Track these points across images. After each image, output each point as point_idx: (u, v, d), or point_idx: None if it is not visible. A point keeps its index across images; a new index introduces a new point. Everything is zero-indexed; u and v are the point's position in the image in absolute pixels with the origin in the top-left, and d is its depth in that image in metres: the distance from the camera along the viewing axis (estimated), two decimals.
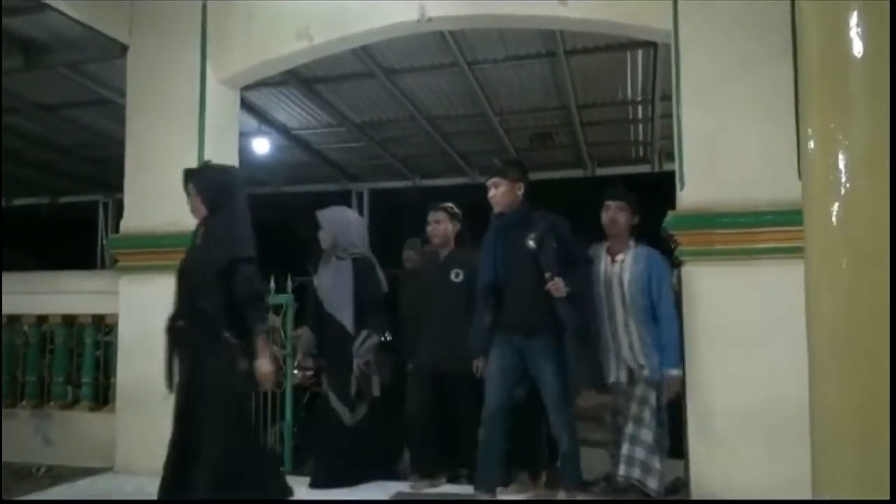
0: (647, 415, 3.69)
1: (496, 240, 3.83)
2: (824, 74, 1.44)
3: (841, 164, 1.37)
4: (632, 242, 3.87)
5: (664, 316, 3.75)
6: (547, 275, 3.60)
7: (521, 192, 3.82)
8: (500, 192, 3.80)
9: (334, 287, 4.23)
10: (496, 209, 3.82)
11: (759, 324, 3.71)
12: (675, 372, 3.69)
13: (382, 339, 4.34)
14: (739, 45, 3.88)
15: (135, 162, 4.80)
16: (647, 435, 3.66)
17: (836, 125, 1.39)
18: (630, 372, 3.76)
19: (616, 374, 3.80)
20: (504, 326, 3.78)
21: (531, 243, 3.69)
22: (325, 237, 4.31)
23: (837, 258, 1.39)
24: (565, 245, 3.73)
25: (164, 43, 4.78)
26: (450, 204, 4.47)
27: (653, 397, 3.73)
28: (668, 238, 4.00)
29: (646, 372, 3.73)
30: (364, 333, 4.15)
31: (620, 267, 3.83)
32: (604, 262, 3.87)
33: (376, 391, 4.20)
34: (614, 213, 3.88)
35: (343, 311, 4.18)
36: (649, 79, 6.20)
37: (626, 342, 3.77)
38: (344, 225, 4.37)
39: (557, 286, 3.59)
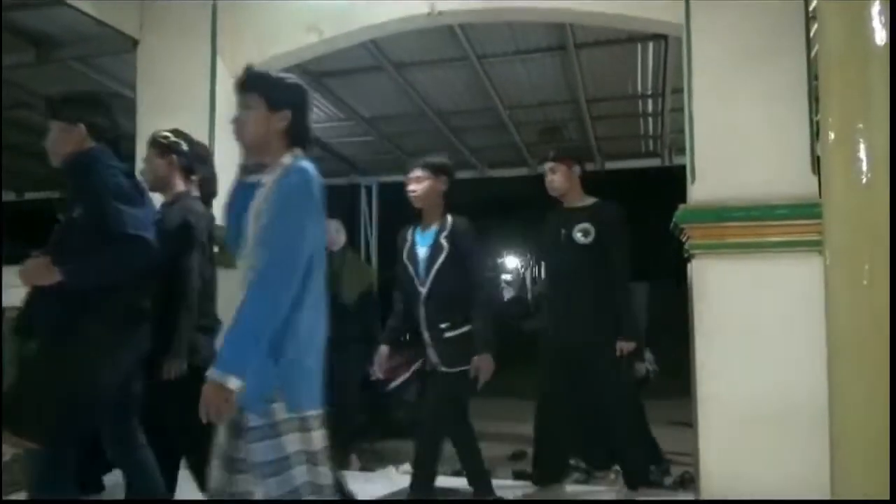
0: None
1: None
2: (845, 64, 1.43)
3: (862, 155, 1.35)
4: (288, 158, 2.25)
5: (259, 276, 2.07)
6: None
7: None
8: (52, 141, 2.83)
9: None
10: None
11: (770, 317, 3.69)
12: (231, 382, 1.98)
13: None
14: (751, 38, 3.85)
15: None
16: None
17: (857, 115, 1.38)
18: None
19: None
20: None
21: None
22: None
23: (858, 249, 1.38)
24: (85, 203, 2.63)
25: (175, 37, 4.79)
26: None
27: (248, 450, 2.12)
28: (678, 232, 3.99)
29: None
30: None
31: (256, 194, 2.24)
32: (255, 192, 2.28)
33: None
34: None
35: None
36: (660, 72, 6.16)
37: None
38: None
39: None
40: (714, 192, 3.83)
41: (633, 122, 7.78)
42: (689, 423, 4.06)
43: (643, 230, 4.45)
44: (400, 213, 3.89)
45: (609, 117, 7.49)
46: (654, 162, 8.96)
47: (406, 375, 3.64)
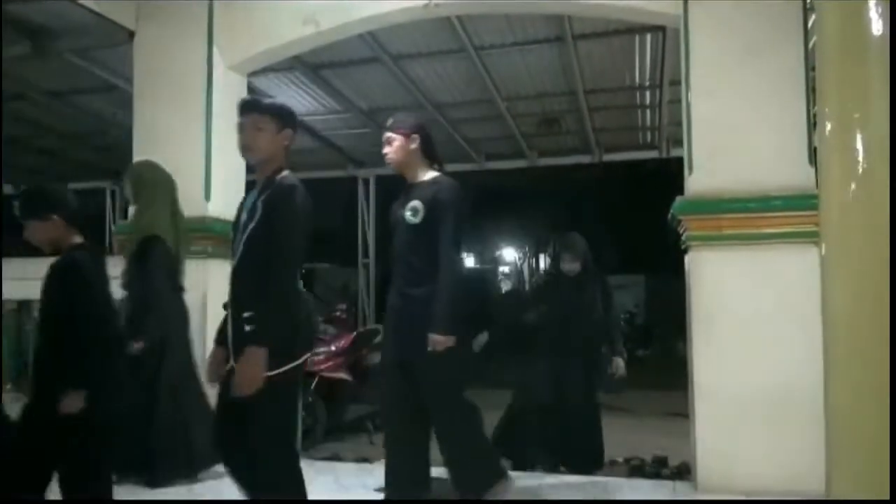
0: None
1: None
2: (842, 55, 1.42)
3: (858, 144, 1.35)
4: None
5: None
6: None
7: None
8: None
9: None
10: None
11: (766, 309, 3.70)
12: None
13: None
14: (749, 30, 3.85)
15: (142, 148, 4.79)
16: None
17: (854, 106, 1.38)
18: None
19: None
20: None
21: None
22: None
23: (855, 240, 1.38)
24: None
25: (171, 29, 4.77)
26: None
27: None
28: (676, 223, 3.99)
29: None
30: None
31: None
32: None
33: None
34: None
35: None
36: (658, 63, 6.15)
37: None
38: None
39: None
40: (711, 183, 3.84)
41: (631, 113, 7.78)
42: (685, 413, 4.08)
43: (640, 221, 4.42)
44: None
45: (607, 109, 7.49)
46: (651, 154, 8.97)
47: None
